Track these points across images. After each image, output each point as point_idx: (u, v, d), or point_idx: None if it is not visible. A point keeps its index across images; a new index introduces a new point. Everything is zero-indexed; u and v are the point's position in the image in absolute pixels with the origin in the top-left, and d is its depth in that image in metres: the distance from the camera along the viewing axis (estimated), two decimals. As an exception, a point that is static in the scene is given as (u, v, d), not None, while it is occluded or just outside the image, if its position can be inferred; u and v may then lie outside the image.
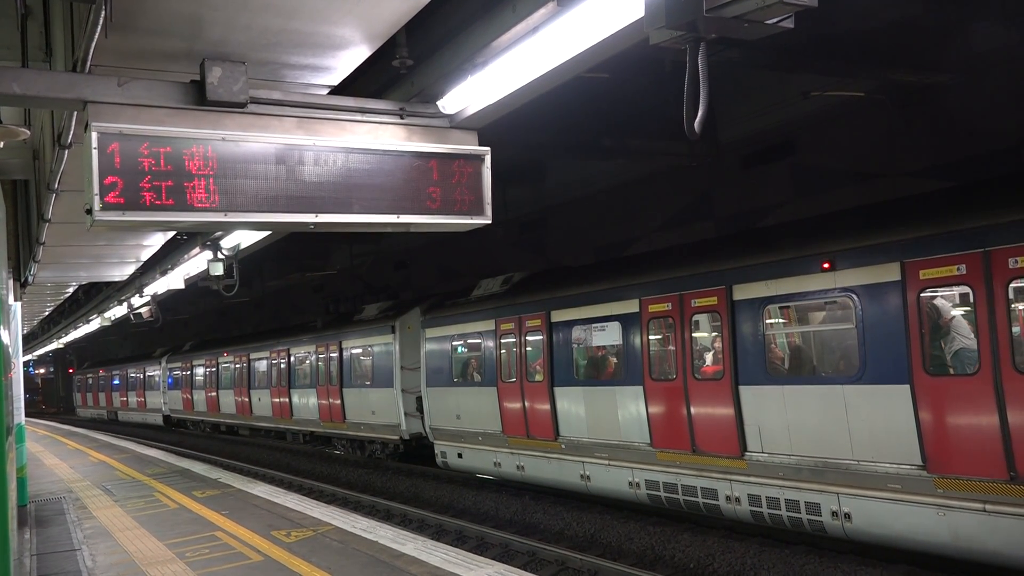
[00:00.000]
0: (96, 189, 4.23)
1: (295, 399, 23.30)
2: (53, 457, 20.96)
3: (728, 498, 10.04)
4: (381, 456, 20.05)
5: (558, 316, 12.88)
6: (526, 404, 13.45)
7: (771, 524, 9.68)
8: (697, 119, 3.04)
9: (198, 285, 13.14)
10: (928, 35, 11.28)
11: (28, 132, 6.38)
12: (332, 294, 26.48)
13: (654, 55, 10.05)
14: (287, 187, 4.72)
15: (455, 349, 15.67)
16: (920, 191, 9.86)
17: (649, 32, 2.97)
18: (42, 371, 76.36)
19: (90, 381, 50.46)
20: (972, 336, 7.72)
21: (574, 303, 12.60)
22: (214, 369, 29.92)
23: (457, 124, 5.36)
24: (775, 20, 2.77)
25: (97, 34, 4.03)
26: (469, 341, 15.31)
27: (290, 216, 4.75)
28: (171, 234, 10.91)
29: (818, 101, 12.40)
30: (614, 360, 12.03)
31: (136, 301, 16.32)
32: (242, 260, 10.54)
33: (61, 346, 38.97)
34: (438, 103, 5.27)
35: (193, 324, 43.52)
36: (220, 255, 9.82)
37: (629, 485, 11.53)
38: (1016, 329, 7.37)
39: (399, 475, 18.43)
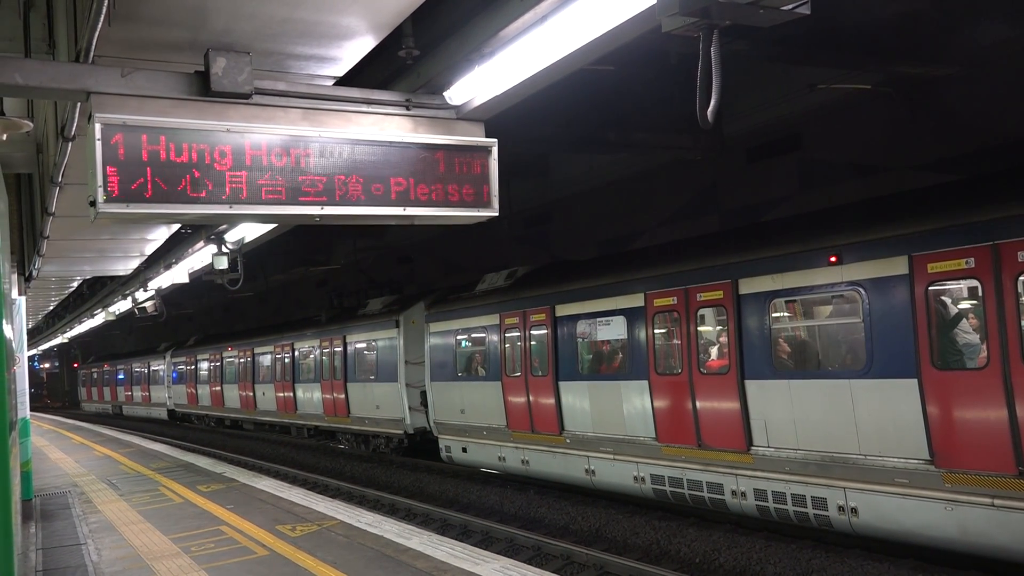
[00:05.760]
0: (100, 181, 4.20)
1: (299, 393, 23.32)
2: (58, 451, 20.98)
3: (734, 493, 10.00)
4: (385, 450, 20.05)
5: (562, 310, 12.84)
6: (531, 398, 13.42)
7: (777, 519, 9.65)
8: (710, 108, 3.01)
9: (202, 279, 13.12)
10: (934, 28, 11.21)
11: (31, 124, 6.36)
12: (336, 288, 26.44)
13: (660, 47, 10.00)
14: (292, 179, 4.69)
15: (459, 343, 15.63)
16: (926, 185, 9.80)
17: (662, 19, 2.92)
18: (47, 366, 76.53)
19: (94, 376, 50.59)
20: (980, 330, 7.67)
21: (579, 297, 12.56)
22: (218, 364, 29.95)
23: (464, 115, 5.31)
24: (791, 6, 2.72)
25: (100, 24, 4.00)
26: (473, 335, 15.27)
27: (295, 208, 4.72)
28: (175, 227, 10.90)
29: (824, 94, 12.32)
30: (619, 354, 11.99)
31: (140, 295, 16.33)
32: (246, 254, 10.51)
33: (66, 341, 39.04)
34: (445, 94, 5.23)
35: (197, 319, 43.59)
36: (224, 249, 9.79)
37: (634, 480, 11.51)
38: (1025, 323, 7.32)
39: (404, 469, 18.42)
